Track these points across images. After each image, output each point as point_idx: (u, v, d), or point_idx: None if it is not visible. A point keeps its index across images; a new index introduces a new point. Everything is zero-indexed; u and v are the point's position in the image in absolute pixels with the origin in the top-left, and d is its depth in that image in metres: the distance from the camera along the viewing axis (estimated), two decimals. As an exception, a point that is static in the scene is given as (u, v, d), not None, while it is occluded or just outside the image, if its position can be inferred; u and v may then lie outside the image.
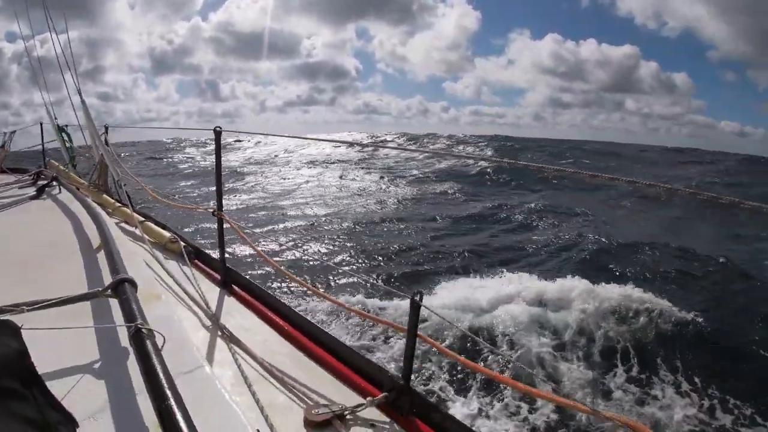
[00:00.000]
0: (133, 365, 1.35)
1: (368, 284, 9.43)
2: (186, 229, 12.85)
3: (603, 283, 9.60)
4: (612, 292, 9.18)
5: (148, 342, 1.30)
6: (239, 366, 2.11)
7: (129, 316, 1.47)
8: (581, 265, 11.36)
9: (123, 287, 1.68)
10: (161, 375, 1.14)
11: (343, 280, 10.10)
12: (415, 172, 30.49)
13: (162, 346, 1.33)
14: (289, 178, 28.59)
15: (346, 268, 11.19)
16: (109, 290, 1.70)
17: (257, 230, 14.06)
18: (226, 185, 22.29)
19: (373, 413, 1.94)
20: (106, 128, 5.53)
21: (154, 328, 1.41)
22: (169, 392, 1.07)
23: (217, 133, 2.93)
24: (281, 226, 15.51)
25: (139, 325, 1.37)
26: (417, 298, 1.78)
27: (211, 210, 3.16)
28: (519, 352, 7.32)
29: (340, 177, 28.62)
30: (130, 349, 1.38)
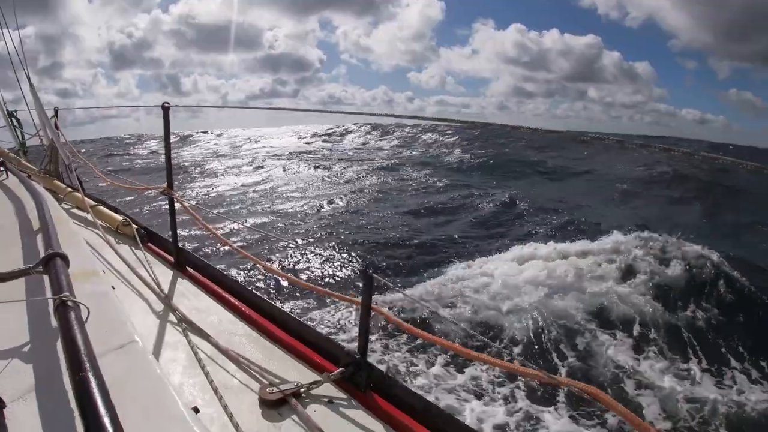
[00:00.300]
0: None
1: (323, 259, 9.50)
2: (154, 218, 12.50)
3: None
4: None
5: (71, 314, 1.23)
6: (192, 347, 2.05)
7: (56, 290, 1.39)
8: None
9: (54, 262, 1.58)
10: (81, 347, 1.08)
11: (300, 257, 10.09)
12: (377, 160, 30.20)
13: (87, 319, 1.26)
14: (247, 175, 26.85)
15: (301, 241, 11.26)
16: (41, 266, 1.60)
17: (213, 211, 13.76)
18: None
19: (329, 389, 1.92)
20: (56, 111, 5.31)
21: (86, 302, 1.34)
22: (87, 364, 1.01)
23: (165, 110, 2.82)
24: (239, 209, 15.28)
25: (64, 298, 1.30)
26: (369, 270, 1.75)
27: (161, 189, 3.04)
28: (478, 322, 7.54)
29: (315, 167, 27.77)
30: None
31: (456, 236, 12.35)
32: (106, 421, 0.85)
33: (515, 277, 9.25)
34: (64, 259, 1.64)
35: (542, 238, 11.90)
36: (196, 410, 1.56)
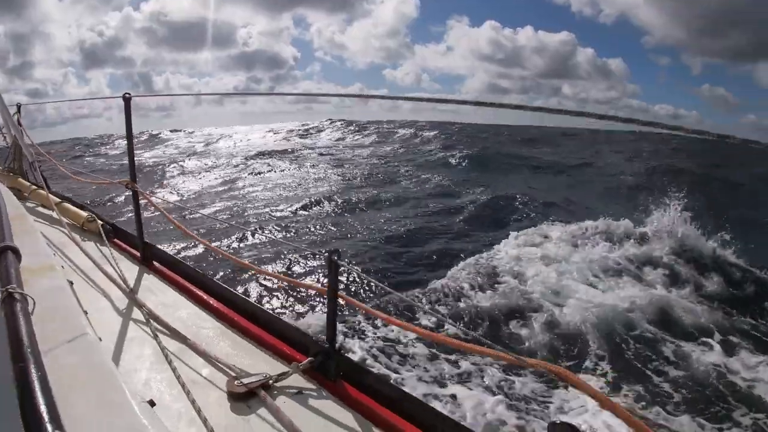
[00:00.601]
0: None
1: (289, 250, 9.49)
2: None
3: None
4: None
5: (18, 306, 1.20)
6: (159, 343, 2.02)
7: (4, 282, 1.35)
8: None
9: (4, 255, 1.53)
10: (24, 338, 1.05)
11: (268, 249, 10.08)
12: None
13: (33, 311, 1.22)
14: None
15: (267, 232, 11.29)
16: None
17: (179, 203, 13.58)
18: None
19: (299, 380, 1.90)
20: (18, 107, 5.16)
21: (37, 296, 1.30)
22: (29, 355, 0.98)
23: (126, 100, 2.77)
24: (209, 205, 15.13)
25: (11, 290, 1.25)
26: (334, 256, 1.73)
27: (125, 182, 2.97)
28: (445, 306, 7.53)
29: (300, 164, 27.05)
30: None
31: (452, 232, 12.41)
32: (44, 410, 0.82)
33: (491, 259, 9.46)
34: (15, 252, 1.59)
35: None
36: (152, 403, 1.53)
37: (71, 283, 1.85)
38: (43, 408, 0.82)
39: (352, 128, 55.99)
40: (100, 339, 1.68)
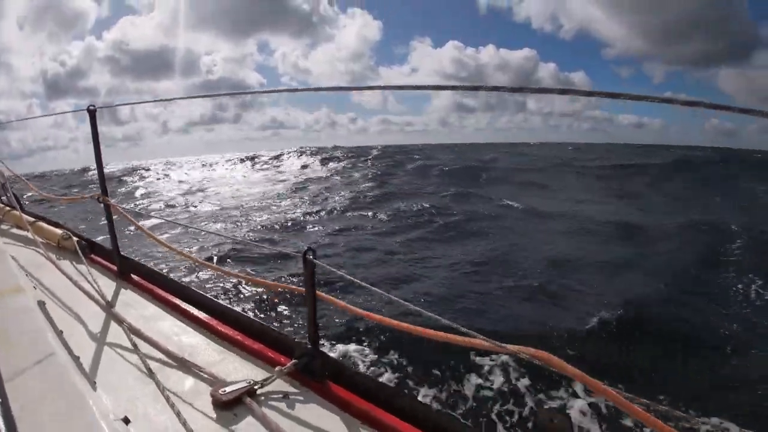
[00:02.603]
0: None
1: (264, 252, 9.68)
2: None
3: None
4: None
5: None
6: (141, 357, 1.99)
7: None
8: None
9: None
10: None
11: (243, 253, 10.17)
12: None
13: None
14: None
15: (240, 236, 11.59)
16: None
17: (152, 215, 13.52)
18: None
19: (284, 383, 1.89)
20: None
21: (2, 319, 1.27)
22: None
23: (92, 113, 2.74)
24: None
25: None
26: (309, 255, 1.71)
27: (96, 196, 2.92)
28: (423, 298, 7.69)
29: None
30: None
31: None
32: None
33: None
34: None
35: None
36: (126, 420, 1.50)
37: (43, 303, 1.81)
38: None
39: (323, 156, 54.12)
40: (78, 357, 1.64)
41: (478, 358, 5.70)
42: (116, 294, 2.76)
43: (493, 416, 4.83)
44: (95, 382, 1.76)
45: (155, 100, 2.72)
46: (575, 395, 4.96)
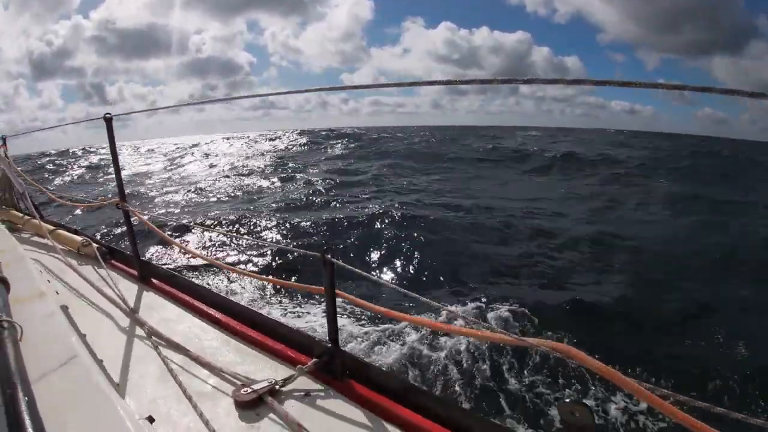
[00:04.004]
0: None
1: (283, 253, 9.73)
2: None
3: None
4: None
5: (5, 333, 1.20)
6: (163, 359, 2.02)
7: None
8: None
9: None
10: (12, 365, 1.05)
11: (262, 254, 10.18)
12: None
13: (21, 337, 1.23)
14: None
15: (258, 238, 11.49)
16: None
17: (171, 220, 13.69)
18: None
19: (305, 382, 1.89)
20: (4, 139, 5.12)
21: (27, 324, 1.30)
22: (18, 382, 0.98)
23: (108, 121, 2.77)
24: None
25: None
26: (328, 254, 1.72)
27: (115, 202, 2.96)
28: (445, 297, 7.65)
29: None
30: None
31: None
32: None
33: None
34: (4, 282, 1.60)
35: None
36: (151, 419, 1.52)
37: (66, 307, 1.84)
38: None
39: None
40: (102, 360, 1.67)
41: (499, 354, 5.67)
42: (137, 297, 2.80)
43: (516, 412, 4.81)
44: (118, 384, 1.79)
45: (171, 107, 2.74)
46: (597, 387, 4.93)
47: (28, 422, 0.86)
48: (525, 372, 5.39)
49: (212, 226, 12.93)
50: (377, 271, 9.47)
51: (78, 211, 14.62)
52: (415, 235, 11.08)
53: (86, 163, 39.15)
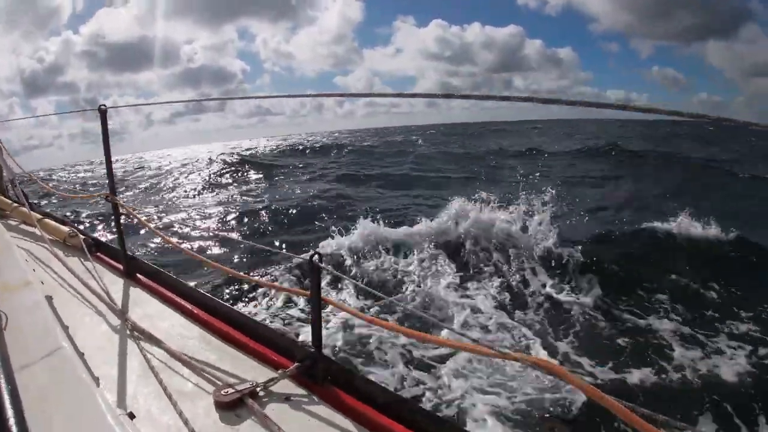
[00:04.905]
0: None
1: (271, 255, 9.63)
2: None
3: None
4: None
5: None
6: (145, 355, 2.00)
7: None
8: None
9: None
10: None
11: (250, 255, 10.24)
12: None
13: (6, 326, 1.22)
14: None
15: (247, 241, 11.32)
16: None
17: (159, 214, 13.60)
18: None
19: (287, 386, 1.88)
20: None
21: (12, 313, 1.30)
22: (1, 370, 0.98)
23: (102, 112, 2.77)
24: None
25: None
26: (315, 259, 1.72)
27: (105, 195, 2.95)
28: (428, 301, 7.70)
29: None
30: None
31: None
32: (12, 423, 0.82)
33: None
34: None
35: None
36: (131, 416, 1.51)
37: (51, 298, 1.83)
38: (12, 422, 0.82)
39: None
40: (83, 353, 1.66)
41: (482, 366, 5.68)
42: (122, 292, 2.78)
43: (496, 424, 4.81)
44: (98, 378, 1.77)
45: (172, 101, 2.74)
46: (576, 403, 4.94)
47: (10, 411, 0.86)
48: (508, 385, 5.39)
49: (201, 224, 12.89)
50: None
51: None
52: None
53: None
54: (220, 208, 16.28)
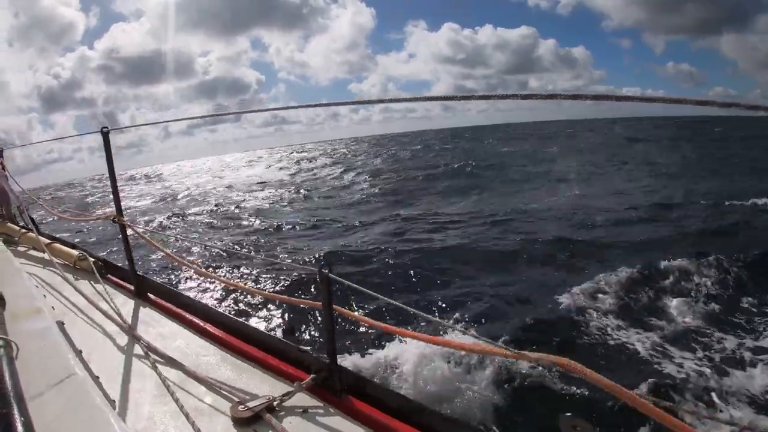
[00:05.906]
0: None
1: (281, 269, 9.61)
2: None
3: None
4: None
5: (1, 352, 1.19)
6: (160, 375, 1.99)
7: None
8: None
9: None
10: (7, 382, 1.04)
11: (260, 270, 10.15)
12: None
13: (17, 356, 1.21)
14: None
15: (260, 256, 11.44)
16: None
17: (167, 233, 13.67)
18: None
19: (303, 399, 1.86)
20: (1, 151, 5.14)
21: (23, 340, 1.29)
22: (13, 401, 0.97)
23: (105, 134, 2.78)
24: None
25: None
26: (325, 270, 1.70)
27: (111, 216, 2.95)
28: (444, 309, 7.67)
29: None
30: None
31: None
32: None
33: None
34: (0, 298, 1.58)
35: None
36: None
37: (62, 323, 1.82)
38: None
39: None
40: (98, 376, 1.65)
41: (499, 368, 5.61)
42: (134, 313, 2.78)
43: (517, 424, 4.76)
44: (114, 401, 1.76)
45: (179, 119, 2.75)
46: (598, 400, 4.87)
47: None
48: (527, 387, 5.33)
49: (209, 242, 12.92)
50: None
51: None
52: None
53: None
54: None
